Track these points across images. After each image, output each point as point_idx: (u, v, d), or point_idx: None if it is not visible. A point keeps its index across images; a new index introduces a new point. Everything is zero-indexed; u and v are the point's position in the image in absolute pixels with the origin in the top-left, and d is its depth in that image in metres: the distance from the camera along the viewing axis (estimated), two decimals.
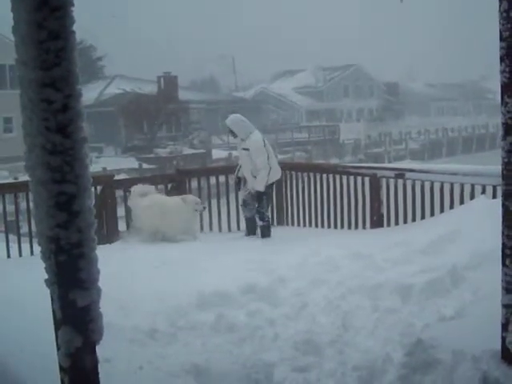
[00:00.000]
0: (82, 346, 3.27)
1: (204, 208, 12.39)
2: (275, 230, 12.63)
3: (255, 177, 11.97)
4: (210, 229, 13.65)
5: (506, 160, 5.10)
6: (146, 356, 6.13)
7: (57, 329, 3.30)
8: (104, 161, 44.50)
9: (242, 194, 12.62)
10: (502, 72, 4.98)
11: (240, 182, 12.59)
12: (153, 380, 5.31)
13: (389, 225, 12.00)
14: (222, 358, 6.29)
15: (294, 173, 13.90)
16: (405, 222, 11.73)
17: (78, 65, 3.18)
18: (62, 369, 3.34)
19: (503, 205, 5.17)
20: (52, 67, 3.09)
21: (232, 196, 13.59)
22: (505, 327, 5.17)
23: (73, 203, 3.15)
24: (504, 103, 5.06)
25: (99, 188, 12.42)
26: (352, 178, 12.60)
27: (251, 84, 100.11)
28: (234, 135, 12.25)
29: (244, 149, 12.02)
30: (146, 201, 12.07)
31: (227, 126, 12.30)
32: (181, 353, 6.36)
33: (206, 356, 6.28)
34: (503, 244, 5.13)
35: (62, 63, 3.11)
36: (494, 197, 9.86)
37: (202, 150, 51.97)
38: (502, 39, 4.93)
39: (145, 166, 44.59)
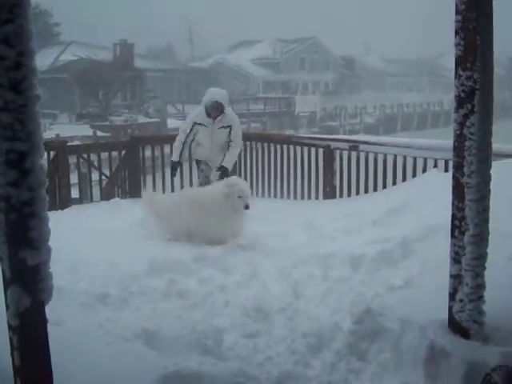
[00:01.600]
0: (30, 305, 3.24)
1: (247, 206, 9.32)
2: None
3: (224, 155, 11.13)
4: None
5: (457, 132, 5.15)
6: (97, 320, 6.11)
7: (6, 288, 3.27)
8: (58, 128, 43.81)
9: (201, 177, 11.54)
10: (457, 45, 5.02)
11: (180, 166, 11.97)
12: (103, 343, 5.29)
13: (341, 196, 12.12)
14: (172, 323, 6.30)
15: (248, 143, 13.91)
16: (357, 193, 11.86)
17: (31, 22, 3.12)
18: (10, 328, 3.32)
19: (453, 176, 5.23)
20: (5, 23, 3.03)
21: (186, 165, 13.53)
22: (452, 297, 5.25)
23: (24, 161, 3.11)
24: (457, 76, 5.11)
25: (52, 154, 12.29)
26: (306, 149, 12.66)
27: (209, 54, 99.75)
28: (220, 112, 11.04)
29: (224, 127, 11.08)
30: (168, 200, 10.15)
31: (217, 101, 10.98)
32: (131, 317, 6.36)
33: (156, 321, 6.29)
34: (453, 215, 5.19)
35: (16, 20, 3.05)
36: (446, 170, 9.99)
37: (157, 119, 51.59)
38: (457, 12, 4.96)
39: (99, 133, 44.07)
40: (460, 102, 5.12)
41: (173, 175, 11.95)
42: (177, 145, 11.31)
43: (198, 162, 11.65)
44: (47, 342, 3.39)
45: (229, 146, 11.11)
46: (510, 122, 65.20)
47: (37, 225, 3.19)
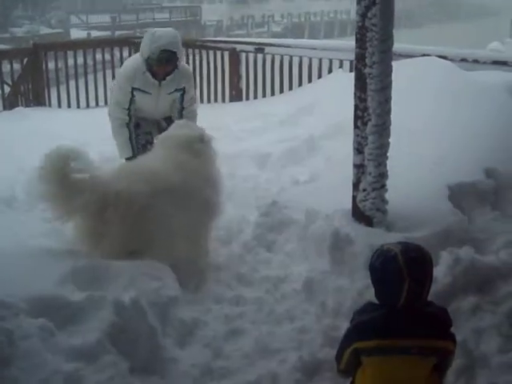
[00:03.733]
0: None
1: None
2: None
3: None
4: (78, 106, 13.33)
5: (359, 24, 5.19)
6: (6, 222, 6.06)
7: None
8: None
9: (141, 134, 7.28)
10: None
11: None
12: (13, 242, 5.29)
13: (248, 99, 12.08)
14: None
15: None
16: (264, 96, 11.83)
17: None
18: None
19: (356, 67, 5.30)
20: None
21: (90, 77, 13.32)
22: (356, 187, 5.37)
23: None
24: None
25: None
26: (212, 52, 12.51)
27: None
28: (172, 68, 6.93)
29: (176, 90, 7.11)
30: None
31: (168, 50, 6.76)
32: (40, 218, 6.30)
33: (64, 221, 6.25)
34: (355, 106, 5.27)
35: None
36: (352, 71, 10.02)
37: (60, 30, 50.08)
38: None
39: (0, 46, 42.65)
40: None
41: None
42: (120, 133, 7.13)
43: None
44: None
45: (181, 114, 7.24)
46: (413, 30, 66.03)
47: None
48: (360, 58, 5.18)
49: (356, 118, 5.28)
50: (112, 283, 4.57)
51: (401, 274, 3.13)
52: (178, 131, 6.04)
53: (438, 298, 4.23)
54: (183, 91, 7.12)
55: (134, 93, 6.93)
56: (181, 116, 7.18)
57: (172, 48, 6.71)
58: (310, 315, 4.80)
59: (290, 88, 11.39)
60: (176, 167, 5.53)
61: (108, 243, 5.08)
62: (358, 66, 5.23)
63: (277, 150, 8.05)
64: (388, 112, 5.21)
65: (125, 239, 5.12)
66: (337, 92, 9.00)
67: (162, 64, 6.80)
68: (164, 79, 6.94)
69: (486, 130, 6.88)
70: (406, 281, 3.12)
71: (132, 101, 6.99)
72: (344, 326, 4.19)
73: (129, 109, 7.02)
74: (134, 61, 7.08)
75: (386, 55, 5.12)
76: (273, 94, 11.70)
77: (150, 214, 5.15)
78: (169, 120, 7.29)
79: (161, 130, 7.03)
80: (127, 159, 6.94)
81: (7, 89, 12.82)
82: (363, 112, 5.19)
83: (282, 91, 11.53)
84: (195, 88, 7.60)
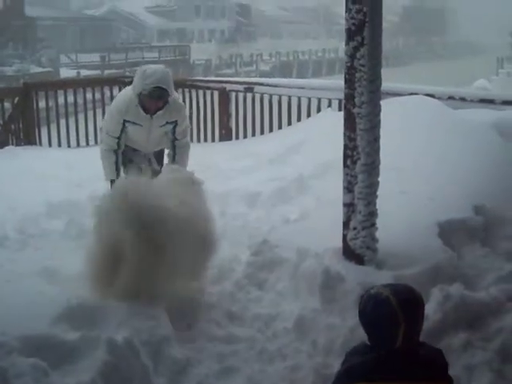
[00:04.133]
0: None
1: None
2: None
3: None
4: (68, 145, 13.32)
5: (348, 64, 5.29)
6: None
7: None
8: None
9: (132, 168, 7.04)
10: None
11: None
12: (3, 281, 5.31)
13: (237, 138, 12.16)
14: (74, 261, 6.27)
15: None
16: (253, 135, 11.92)
17: None
18: None
19: (345, 107, 5.38)
20: None
21: (81, 116, 13.38)
22: (346, 225, 5.43)
23: None
24: (348, 9, 5.23)
25: None
26: (201, 92, 12.61)
27: (102, 1, 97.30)
28: (163, 104, 7.02)
29: (167, 123, 7.18)
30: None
31: (159, 87, 6.81)
32: (32, 257, 6.32)
33: (57, 260, 6.27)
34: (345, 145, 5.35)
35: None
36: (340, 110, 10.12)
37: (50, 69, 50.29)
38: None
39: None
40: (350, 34, 5.26)
41: None
42: (107, 157, 7.19)
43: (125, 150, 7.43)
44: None
45: (174, 145, 7.36)
46: (401, 68, 66.68)
47: None
48: (349, 97, 5.27)
49: (345, 156, 5.36)
50: (105, 322, 4.59)
51: (396, 319, 3.09)
52: (171, 175, 6.06)
53: (429, 335, 4.27)
54: (175, 124, 7.22)
55: (126, 124, 7.08)
56: (173, 147, 7.33)
57: (163, 85, 6.79)
58: (302, 353, 4.80)
59: (280, 127, 11.47)
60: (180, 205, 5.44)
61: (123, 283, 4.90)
62: (347, 106, 5.31)
63: (267, 188, 8.10)
64: (377, 151, 5.29)
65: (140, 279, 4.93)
66: (326, 131, 9.07)
67: (154, 100, 6.92)
68: (155, 113, 7.03)
69: (475, 166, 6.99)
70: (401, 325, 3.08)
71: (123, 131, 7.13)
72: (336, 363, 4.22)
73: (119, 137, 7.14)
74: (126, 94, 7.19)
75: (375, 95, 5.21)
76: (262, 132, 11.78)
77: (167, 253, 5.03)
78: (161, 155, 7.62)
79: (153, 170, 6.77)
80: (111, 181, 7.00)
81: None
82: (352, 151, 5.27)
83: (271, 130, 11.61)
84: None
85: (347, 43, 5.28)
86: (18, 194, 8.24)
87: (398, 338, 3.09)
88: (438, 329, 4.68)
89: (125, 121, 7.05)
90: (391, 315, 3.09)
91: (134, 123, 7.06)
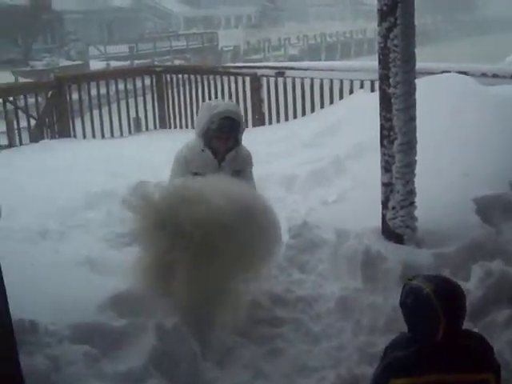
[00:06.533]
0: None
1: None
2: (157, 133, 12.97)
3: None
4: (102, 136, 13.48)
5: (381, 45, 5.31)
6: (39, 253, 6.14)
7: None
8: None
9: None
10: None
11: None
12: (52, 270, 5.37)
13: (270, 123, 12.18)
14: (114, 252, 6.37)
15: (174, 76, 13.82)
16: (286, 119, 11.95)
17: None
18: None
19: (380, 88, 5.39)
20: None
21: (114, 106, 13.54)
22: (384, 205, 5.46)
23: None
24: None
25: None
26: (233, 78, 12.65)
27: None
28: (234, 143, 5.99)
29: (234, 171, 5.95)
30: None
31: (230, 118, 5.81)
32: (74, 248, 6.40)
33: (97, 250, 6.36)
34: (381, 125, 5.37)
35: None
36: (373, 91, 10.11)
37: (79, 62, 50.55)
38: None
39: (21, 79, 42.98)
40: (383, 15, 5.27)
41: None
42: None
43: None
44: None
45: None
46: (430, 47, 66.02)
47: None
48: (384, 78, 5.29)
49: (382, 137, 5.38)
50: (152, 310, 4.63)
51: (436, 316, 3.09)
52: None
53: (472, 311, 4.30)
54: (242, 173, 6.04)
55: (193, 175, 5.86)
56: None
57: (232, 115, 5.83)
58: (346, 333, 4.85)
59: (312, 110, 11.48)
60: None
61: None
62: (383, 87, 5.33)
63: (303, 171, 8.14)
64: (413, 130, 5.31)
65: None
66: (359, 112, 9.10)
67: (224, 134, 5.83)
68: (224, 159, 5.94)
69: (508, 142, 6.96)
70: (442, 321, 3.09)
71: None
72: (380, 342, 4.28)
73: None
74: (185, 145, 6.11)
75: (409, 75, 5.23)
76: (295, 117, 11.80)
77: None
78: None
79: None
80: None
81: (31, 121, 13.04)
82: (389, 131, 5.29)
83: (304, 114, 11.62)
84: None
85: (379, 24, 5.29)
86: (57, 186, 8.36)
87: (439, 332, 3.11)
88: (481, 305, 4.71)
89: (190, 172, 5.89)
90: (431, 312, 3.10)
91: (199, 175, 5.75)
